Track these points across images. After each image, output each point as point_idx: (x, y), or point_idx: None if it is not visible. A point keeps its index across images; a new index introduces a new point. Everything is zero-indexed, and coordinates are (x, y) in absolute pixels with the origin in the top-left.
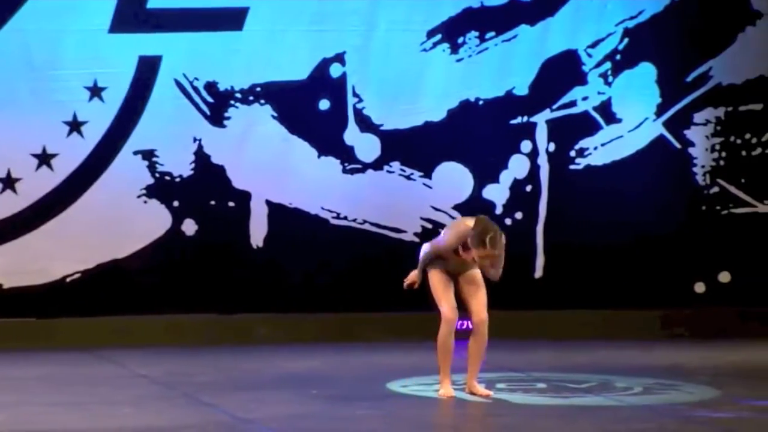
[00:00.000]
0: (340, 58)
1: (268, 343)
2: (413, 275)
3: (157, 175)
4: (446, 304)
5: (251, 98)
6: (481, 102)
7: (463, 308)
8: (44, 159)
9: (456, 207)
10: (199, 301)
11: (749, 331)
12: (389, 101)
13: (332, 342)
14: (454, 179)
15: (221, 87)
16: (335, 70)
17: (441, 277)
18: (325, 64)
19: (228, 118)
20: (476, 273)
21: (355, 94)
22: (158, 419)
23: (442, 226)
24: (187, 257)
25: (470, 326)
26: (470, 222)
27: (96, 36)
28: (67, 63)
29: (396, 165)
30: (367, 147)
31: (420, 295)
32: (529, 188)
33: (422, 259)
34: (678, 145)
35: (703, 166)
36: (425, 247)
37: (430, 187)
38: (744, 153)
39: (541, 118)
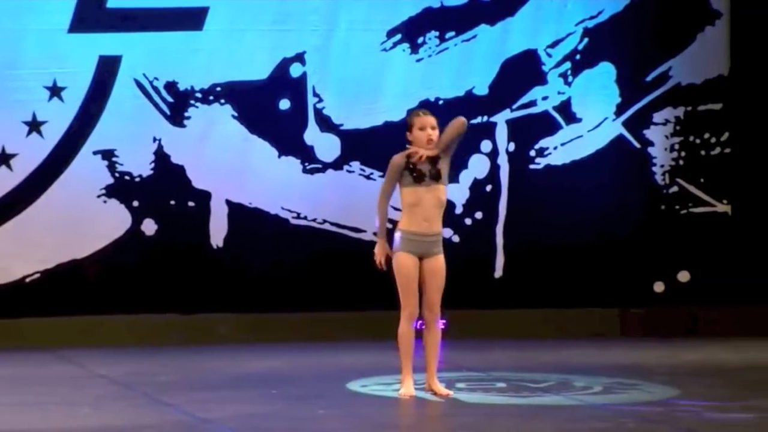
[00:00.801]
0: (300, 57)
1: (229, 343)
2: (380, 251)
3: (117, 174)
4: (410, 299)
5: (211, 98)
6: (441, 102)
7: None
8: (3, 159)
9: None
10: (159, 300)
11: (708, 330)
12: (349, 101)
13: (293, 341)
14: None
15: (181, 87)
16: (295, 70)
17: (407, 264)
18: (285, 63)
19: (188, 118)
20: (440, 260)
21: (315, 94)
22: (118, 419)
23: None
24: (147, 257)
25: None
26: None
27: (55, 35)
28: (27, 62)
29: (356, 165)
30: (327, 147)
31: (380, 294)
32: (489, 188)
33: (380, 220)
34: (637, 145)
35: (662, 166)
36: (379, 203)
37: None
38: (703, 153)
39: (501, 118)
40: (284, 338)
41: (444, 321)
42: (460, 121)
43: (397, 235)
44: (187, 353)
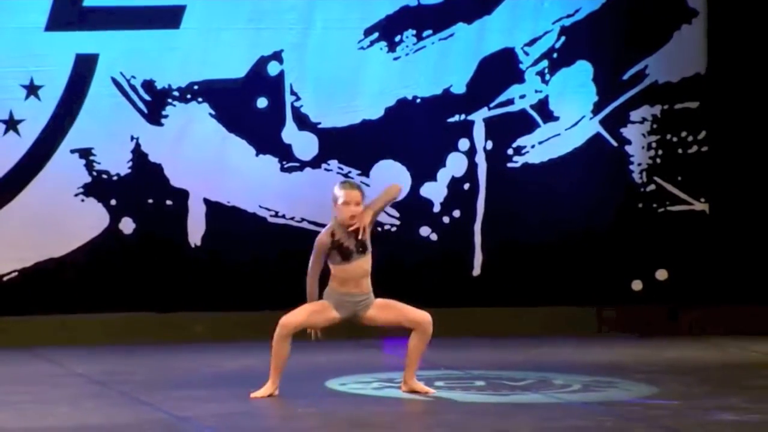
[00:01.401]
0: (277, 56)
1: (206, 341)
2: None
3: (95, 173)
4: (301, 315)
5: (189, 96)
6: (418, 100)
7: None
8: None
9: (394, 205)
10: (136, 299)
11: (685, 328)
12: (327, 99)
13: (270, 340)
14: (391, 177)
15: (158, 85)
16: (273, 68)
17: (325, 305)
18: (263, 62)
19: (165, 117)
20: (379, 301)
21: (292, 93)
22: (95, 418)
23: (380, 224)
24: (125, 256)
25: None
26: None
27: (32, 34)
28: (3, 61)
29: (334, 163)
30: (304, 145)
31: None
32: (467, 186)
33: (309, 296)
34: (615, 143)
35: (639, 164)
36: (308, 281)
37: (368, 185)
38: (680, 151)
39: (479, 117)
40: (262, 337)
41: None
42: (396, 188)
43: (327, 292)
44: (165, 352)
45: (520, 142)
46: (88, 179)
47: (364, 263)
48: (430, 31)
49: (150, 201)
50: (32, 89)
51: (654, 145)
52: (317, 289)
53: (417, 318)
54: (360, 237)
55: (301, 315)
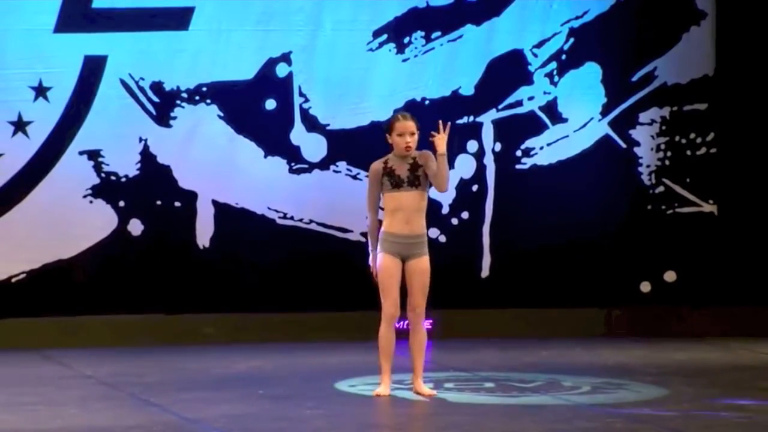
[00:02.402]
0: (286, 57)
1: (215, 343)
2: (375, 263)
3: (103, 175)
4: (389, 299)
5: (197, 98)
6: (427, 102)
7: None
8: None
9: None
10: (145, 301)
11: (694, 330)
12: (335, 101)
13: (279, 342)
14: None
15: (167, 87)
16: (281, 70)
17: (387, 265)
18: (271, 63)
19: (174, 118)
20: (425, 261)
21: (301, 94)
22: (104, 420)
23: None
24: (133, 257)
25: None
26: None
27: (41, 35)
28: (12, 63)
29: (342, 165)
30: (313, 147)
31: (367, 294)
32: (475, 188)
33: (370, 231)
34: (623, 145)
35: (648, 166)
36: (368, 216)
37: None
38: (689, 152)
39: (487, 118)
40: (271, 338)
41: (430, 321)
42: (444, 186)
43: (380, 236)
44: (174, 353)
45: (529, 143)
46: (97, 181)
47: (417, 196)
48: (438, 33)
49: (158, 202)
50: (41, 91)
51: (662, 146)
52: (377, 224)
53: (412, 302)
54: (416, 172)
55: (390, 298)
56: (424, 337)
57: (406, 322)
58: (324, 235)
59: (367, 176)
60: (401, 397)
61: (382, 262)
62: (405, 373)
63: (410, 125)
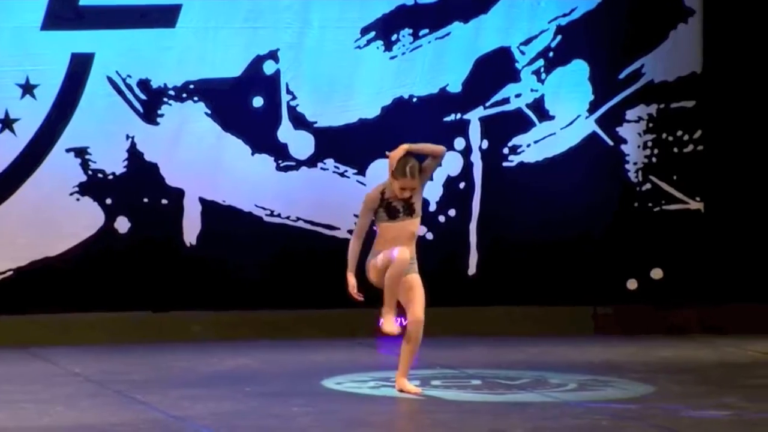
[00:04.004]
0: (273, 55)
1: (202, 341)
2: (351, 282)
3: (90, 172)
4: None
5: (184, 95)
6: (414, 99)
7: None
8: None
9: None
10: (132, 298)
11: (681, 327)
12: (323, 98)
13: (266, 339)
14: (387, 176)
15: (154, 84)
16: (269, 68)
17: (375, 272)
18: (259, 61)
19: (161, 116)
20: (416, 278)
21: (288, 92)
22: (91, 417)
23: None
24: (120, 255)
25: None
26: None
27: (28, 33)
28: None
29: (330, 162)
30: (300, 144)
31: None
32: (462, 185)
33: (351, 255)
34: (610, 143)
35: (635, 163)
36: (352, 240)
37: (364, 185)
38: (676, 150)
39: (475, 116)
40: (258, 336)
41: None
42: (442, 148)
43: (373, 252)
44: (161, 351)
45: (516, 141)
46: (84, 178)
47: (410, 225)
48: (426, 30)
49: (145, 200)
50: (28, 88)
51: (650, 144)
52: (359, 249)
53: (411, 311)
54: (409, 201)
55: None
56: (419, 341)
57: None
58: (311, 232)
59: (355, 173)
60: (389, 396)
61: (379, 261)
62: (390, 371)
63: (414, 183)
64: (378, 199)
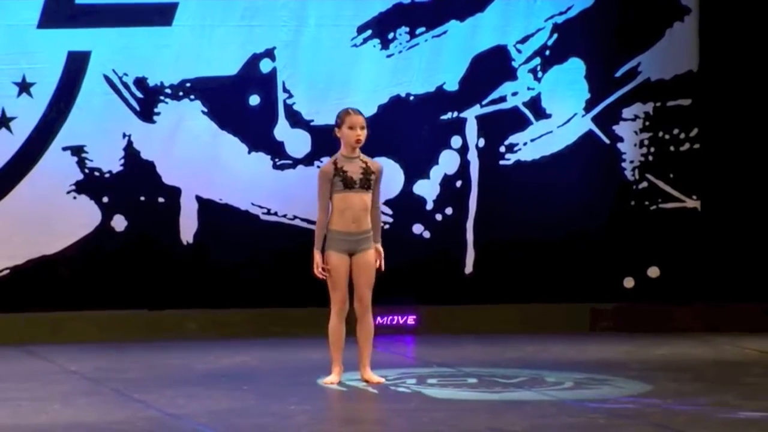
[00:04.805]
0: (270, 53)
1: (198, 339)
2: (318, 261)
3: (87, 170)
4: (340, 294)
5: (181, 94)
6: (411, 97)
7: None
8: None
9: (386, 202)
10: (128, 296)
11: (678, 325)
12: (319, 97)
13: (263, 337)
14: (384, 174)
15: (151, 82)
16: (265, 66)
17: (339, 262)
18: (255, 59)
19: (158, 114)
20: (370, 255)
21: (285, 90)
22: (88, 415)
23: None
24: (117, 253)
25: (404, 322)
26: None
27: (24, 31)
28: None
29: (326, 160)
30: (297, 142)
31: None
32: (459, 184)
33: (318, 229)
34: (607, 141)
35: (632, 162)
36: (318, 217)
37: None
38: (672, 148)
39: (471, 114)
40: (254, 334)
41: (414, 317)
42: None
43: (328, 234)
44: (157, 349)
45: (513, 139)
46: (81, 176)
47: (365, 197)
48: (423, 29)
49: (142, 198)
50: (24, 86)
51: (646, 142)
52: (326, 222)
53: (359, 295)
54: (368, 176)
55: (340, 292)
56: (371, 328)
57: (390, 317)
58: (308, 230)
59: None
60: (384, 393)
61: (332, 260)
62: (387, 369)
63: (361, 119)
64: (332, 170)
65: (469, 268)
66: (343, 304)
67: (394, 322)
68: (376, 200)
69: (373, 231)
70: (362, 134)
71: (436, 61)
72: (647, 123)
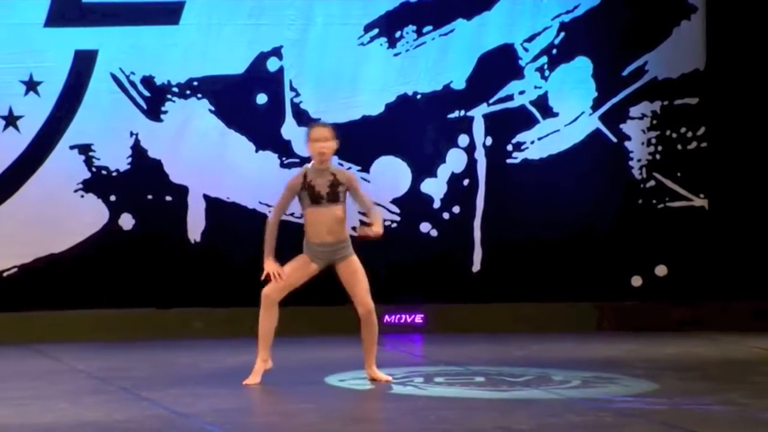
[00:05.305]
0: (277, 52)
1: (205, 337)
2: (272, 268)
3: (94, 169)
4: (279, 285)
5: (188, 92)
6: (418, 96)
7: (348, 300)
8: None
9: (394, 201)
10: (136, 295)
11: (685, 324)
12: (327, 95)
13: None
14: (392, 173)
15: (158, 81)
16: (272, 64)
17: (301, 261)
18: (262, 58)
19: (165, 113)
20: (354, 261)
21: (292, 88)
22: (95, 414)
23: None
24: (125, 252)
25: (412, 320)
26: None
27: (31, 30)
28: (2, 57)
29: (334, 159)
30: (304, 141)
31: None
32: (466, 182)
33: (268, 236)
34: (614, 139)
35: (639, 160)
36: (269, 223)
37: (368, 181)
38: (680, 147)
39: (478, 112)
40: None
41: (422, 315)
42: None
43: (305, 243)
44: (164, 348)
45: (520, 138)
46: (88, 175)
47: (336, 210)
48: (430, 27)
49: (149, 197)
50: (32, 85)
51: (653, 141)
52: (275, 236)
53: (360, 300)
54: (336, 189)
55: (280, 283)
56: (376, 329)
57: (397, 316)
58: None
59: (359, 170)
60: (391, 392)
61: (299, 259)
62: (394, 368)
63: (325, 132)
64: (300, 183)
65: (476, 267)
66: (277, 295)
67: (402, 321)
68: (364, 204)
69: (369, 213)
70: (326, 146)
71: (443, 59)
72: (654, 122)
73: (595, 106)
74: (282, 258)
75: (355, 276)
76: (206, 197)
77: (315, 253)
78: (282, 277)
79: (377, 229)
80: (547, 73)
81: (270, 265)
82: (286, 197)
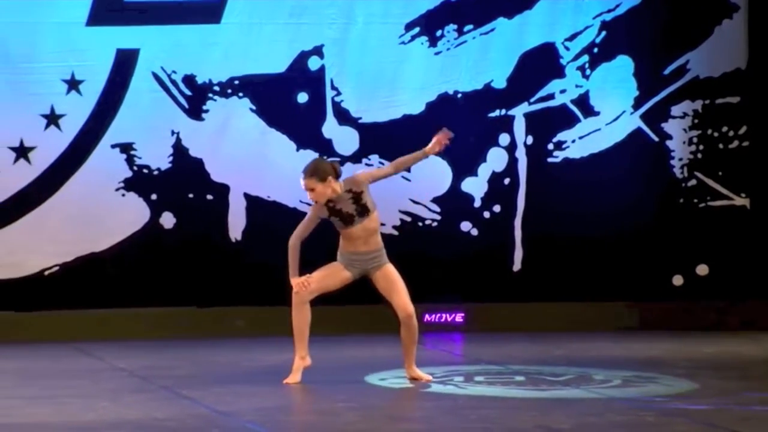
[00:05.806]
0: (318, 51)
1: (246, 336)
2: (299, 280)
3: (135, 168)
4: (310, 286)
5: (229, 91)
6: (459, 95)
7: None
8: (22, 152)
9: (435, 200)
10: (177, 294)
11: (726, 324)
12: (368, 94)
13: (310, 335)
14: (432, 172)
15: (199, 80)
16: (313, 63)
17: (337, 267)
18: (304, 57)
19: (206, 111)
20: (389, 268)
21: (333, 87)
22: (136, 413)
23: (421, 219)
24: (166, 250)
25: (452, 319)
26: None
27: (73, 29)
28: (45, 56)
29: (375, 158)
30: (345, 140)
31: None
32: (507, 181)
33: (291, 256)
34: (655, 138)
35: (680, 159)
36: (291, 243)
37: (409, 180)
38: (721, 146)
39: (519, 111)
40: None
41: (462, 314)
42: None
43: (339, 251)
44: (205, 346)
45: (561, 137)
46: (129, 174)
47: (368, 223)
48: (471, 26)
49: (190, 196)
50: (73, 84)
51: (695, 140)
52: (298, 257)
53: (400, 305)
54: (360, 202)
55: (312, 283)
56: (416, 331)
57: (443, 315)
58: None
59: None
60: (431, 391)
61: (333, 264)
62: (434, 366)
63: (306, 182)
64: (326, 210)
65: (517, 266)
66: (307, 295)
67: (442, 320)
68: (392, 170)
69: (409, 159)
70: (314, 195)
71: (484, 58)
72: (696, 120)
73: (637, 105)
74: (334, 258)
75: (393, 284)
76: (247, 196)
77: (349, 261)
78: (310, 281)
79: (440, 137)
80: (588, 72)
81: (296, 280)
82: (312, 221)
